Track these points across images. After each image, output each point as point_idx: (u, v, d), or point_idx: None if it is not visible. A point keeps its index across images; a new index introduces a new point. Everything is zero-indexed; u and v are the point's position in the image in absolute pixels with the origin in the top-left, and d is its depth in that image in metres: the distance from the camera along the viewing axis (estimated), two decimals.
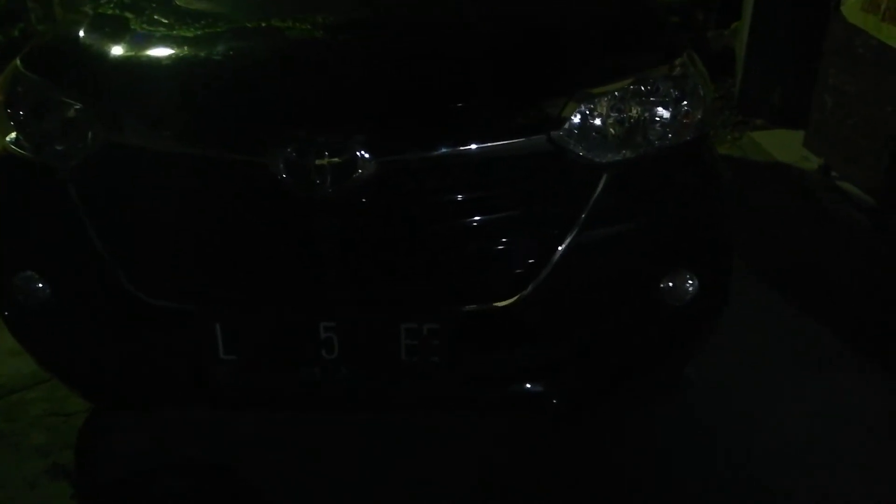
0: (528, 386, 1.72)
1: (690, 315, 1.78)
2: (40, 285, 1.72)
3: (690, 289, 1.73)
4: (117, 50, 1.81)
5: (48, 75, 1.78)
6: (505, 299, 1.60)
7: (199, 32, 1.90)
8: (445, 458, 2.11)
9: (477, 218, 1.60)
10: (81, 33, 1.91)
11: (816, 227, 3.63)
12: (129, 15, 2.02)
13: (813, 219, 3.74)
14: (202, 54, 1.81)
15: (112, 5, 2.18)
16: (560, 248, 1.60)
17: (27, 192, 1.76)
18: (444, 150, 1.57)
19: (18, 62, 1.85)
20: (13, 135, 1.78)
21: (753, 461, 2.08)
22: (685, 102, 1.75)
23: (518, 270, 1.62)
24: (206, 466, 2.11)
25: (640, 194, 1.71)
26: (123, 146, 1.66)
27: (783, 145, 4.68)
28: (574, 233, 1.61)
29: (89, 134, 1.67)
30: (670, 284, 1.73)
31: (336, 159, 1.51)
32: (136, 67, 1.78)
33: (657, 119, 1.72)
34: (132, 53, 1.81)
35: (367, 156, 1.52)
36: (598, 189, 1.64)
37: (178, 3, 2.19)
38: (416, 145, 1.58)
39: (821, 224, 3.66)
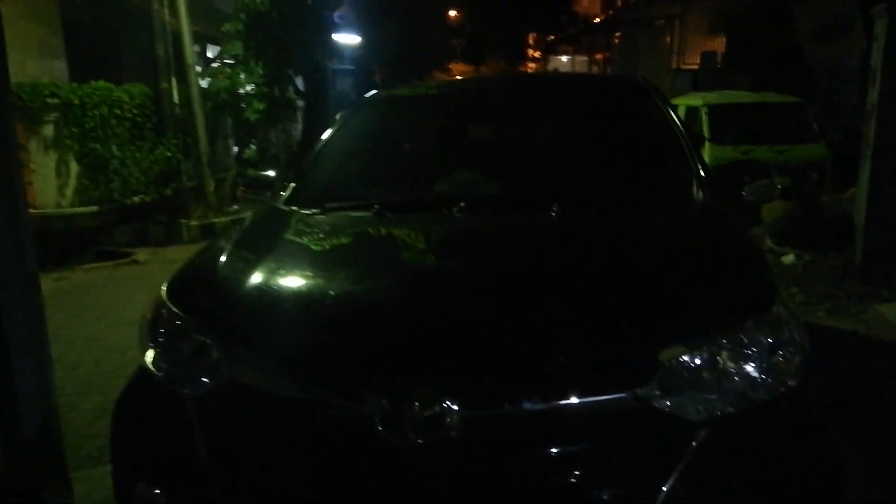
0: None
1: None
2: (157, 500, 1.76)
3: None
4: (244, 290, 1.93)
5: (184, 308, 1.92)
6: None
7: (317, 279, 1.99)
8: None
9: (558, 476, 1.52)
10: (218, 267, 2.07)
11: None
12: (260, 251, 2.14)
13: None
14: (315, 302, 1.89)
15: (249, 233, 2.36)
16: None
17: (156, 412, 1.86)
18: (528, 406, 1.54)
19: (164, 289, 2.02)
20: (151, 354, 1.92)
21: None
22: (781, 352, 1.65)
23: None
24: None
25: (736, 455, 1.58)
26: (242, 385, 1.74)
27: None
28: (663, 499, 1.47)
29: (214, 370, 1.77)
30: None
31: (426, 411, 1.52)
32: (256, 309, 1.87)
33: (753, 372, 1.61)
34: (255, 294, 1.91)
35: (455, 408, 1.52)
36: (691, 451, 1.52)
37: (308, 242, 2.29)
38: (503, 400, 1.55)
39: None
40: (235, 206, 8.98)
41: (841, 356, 3.92)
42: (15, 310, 2.13)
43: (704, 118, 7.59)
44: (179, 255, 7.47)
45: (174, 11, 8.21)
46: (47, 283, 6.29)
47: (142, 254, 7.35)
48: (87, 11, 8.94)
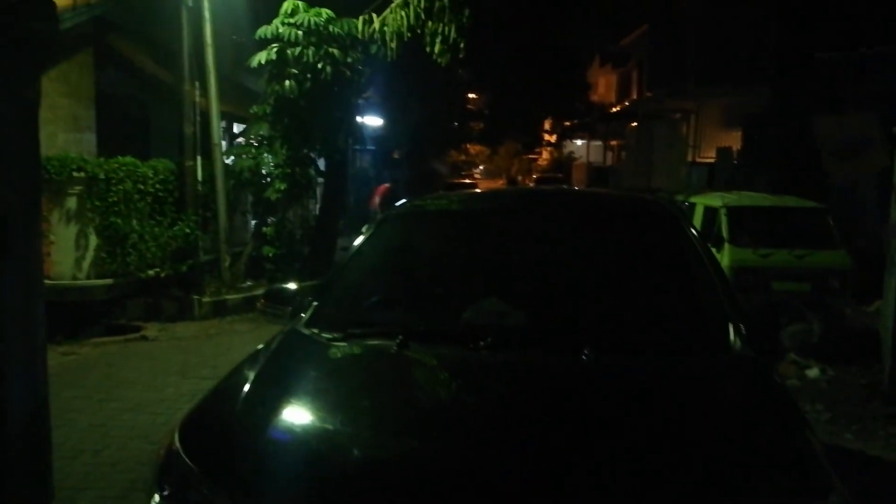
0: None
1: None
2: None
3: None
4: (259, 444, 1.81)
5: (195, 458, 1.80)
6: None
7: (338, 435, 1.88)
8: None
9: None
10: (234, 413, 1.96)
11: None
12: (278, 394, 2.03)
13: None
14: (334, 463, 1.76)
15: (268, 368, 2.24)
16: None
17: None
18: None
19: (177, 434, 1.91)
20: (157, 500, 1.78)
21: None
22: None
23: None
24: None
25: None
26: None
27: None
28: None
29: None
30: None
31: None
32: (271, 468, 1.75)
33: None
34: (270, 450, 1.80)
35: None
36: None
37: (329, 385, 2.18)
38: None
39: None
40: (248, 283, 8.97)
41: (874, 485, 3.73)
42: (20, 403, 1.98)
43: (724, 220, 7.54)
44: (189, 331, 7.43)
45: (205, 92, 8.46)
46: (55, 356, 6.21)
47: (152, 329, 7.29)
48: (120, 85, 9.22)
